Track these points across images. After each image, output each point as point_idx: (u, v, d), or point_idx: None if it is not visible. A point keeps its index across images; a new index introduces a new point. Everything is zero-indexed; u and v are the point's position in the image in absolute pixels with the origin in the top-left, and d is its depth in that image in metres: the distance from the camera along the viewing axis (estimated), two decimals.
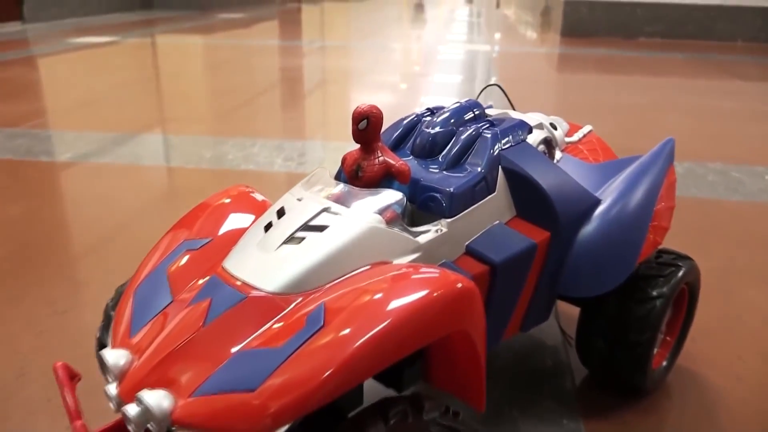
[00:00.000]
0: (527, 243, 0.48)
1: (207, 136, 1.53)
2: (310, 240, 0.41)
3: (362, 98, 1.98)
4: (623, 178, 0.56)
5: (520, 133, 0.52)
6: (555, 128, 0.59)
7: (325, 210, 0.43)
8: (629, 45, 3.38)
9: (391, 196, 0.43)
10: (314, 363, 0.34)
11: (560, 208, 0.49)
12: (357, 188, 0.45)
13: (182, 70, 2.47)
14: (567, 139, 0.61)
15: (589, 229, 0.52)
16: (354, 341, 0.34)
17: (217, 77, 2.32)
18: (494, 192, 0.49)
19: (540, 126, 0.57)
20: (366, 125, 0.44)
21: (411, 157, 0.51)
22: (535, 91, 2.09)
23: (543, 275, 0.51)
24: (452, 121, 0.51)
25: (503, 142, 0.50)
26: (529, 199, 0.50)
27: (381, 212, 0.42)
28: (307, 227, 0.42)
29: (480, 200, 0.47)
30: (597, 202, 0.53)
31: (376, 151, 0.45)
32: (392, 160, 0.45)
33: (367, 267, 0.41)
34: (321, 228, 0.41)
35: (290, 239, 0.41)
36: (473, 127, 0.51)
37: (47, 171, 1.25)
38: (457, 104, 0.53)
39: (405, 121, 0.54)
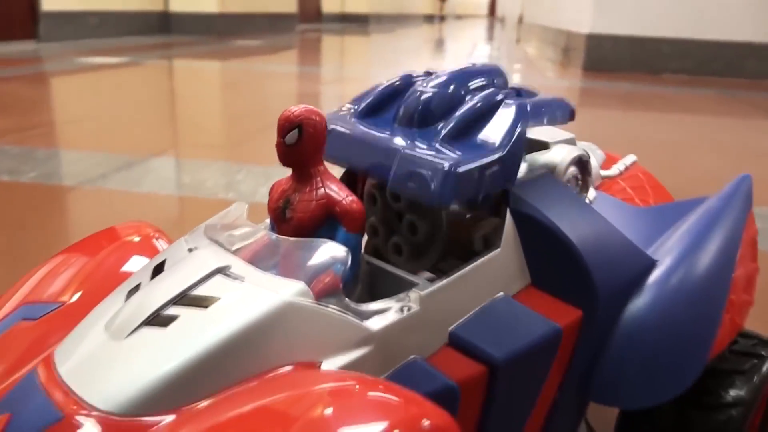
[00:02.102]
0: (547, 328, 0.31)
1: (190, 160, 1.39)
2: (185, 322, 0.25)
3: None
4: (686, 229, 0.39)
5: (558, 114, 0.36)
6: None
7: (220, 271, 0.27)
8: (655, 81, 3.25)
9: (331, 251, 0.27)
10: None
11: (598, 274, 0.33)
12: (282, 237, 0.29)
13: (188, 93, 2.38)
14: (603, 173, 0.45)
15: (639, 306, 0.35)
16: None
17: (216, 101, 2.21)
18: (497, 247, 0.32)
19: (571, 141, 0.41)
20: (297, 139, 0.28)
21: (396, 125, 0.35)
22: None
23: (569, 377, 0.34)
24: (458, 84, 0.35)
25: (535, 119, 0.34)
26: (552, 259, 0.33)
27: (311, 277, 0.26)
28: (185, 299, 0.26)
29: (491, 190, 0.31)
30: (651, 265, 0.36)
31: (314, 179, 0.29)
32: (338, 193, 0.29)
33: (283, 370, 0.25)
34: (206, 301, 0.25)
35: (154, 318, 0.25)
36: (490, 91, 0.35)
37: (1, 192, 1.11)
38: (470, 66, 0.37)
39: (392, 82, 0.37)
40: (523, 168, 0.39)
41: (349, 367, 0.26)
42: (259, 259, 0.28)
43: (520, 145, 0.33)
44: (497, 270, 0.32)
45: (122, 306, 0.27)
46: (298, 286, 0.26)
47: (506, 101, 0.34)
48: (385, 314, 0.27)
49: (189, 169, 1.31)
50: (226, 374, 0.24)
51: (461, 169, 0.30)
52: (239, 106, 2.08)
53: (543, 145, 0.40)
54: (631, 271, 0.35)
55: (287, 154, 0.29)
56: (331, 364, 0.26)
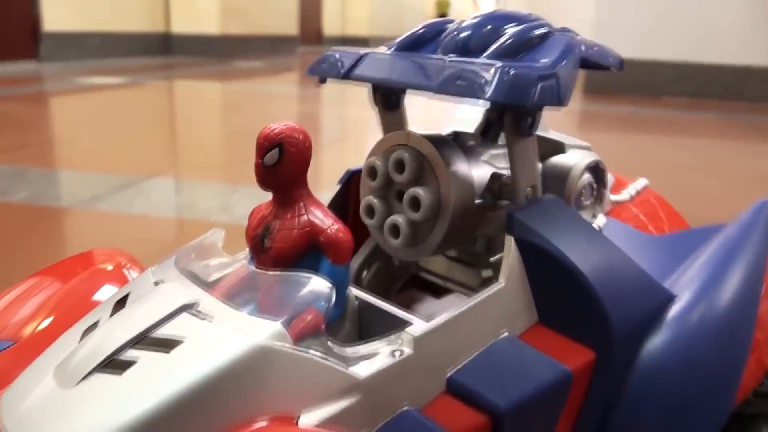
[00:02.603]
0: (556, 372, 0.28)
1: (186, 180, 1.36)
2: (143, 367, 0.22)
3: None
4: (706, 261, 0.36)
5: (610, 58, 0.34)
6: None
7: (187, 308, 0.23)
8: (655, 103, 3.25)
9: (313, 285, 0.24)
10: None
11: (612, 310, 0.29)
12: (260, 269, 0.26)
13: (188, 114, 2.36)
14: (613, 197, 0.42)
15: (658, 346, 0.32)
16: None
17: (215, 122, 2.20)
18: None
19: (587, 149, 0.38)
20: (278, 159, 0.25)
21: (438, 52, 0.33)
22: None
23: (581, 425, 0.30)
24: (497, 23, 0.33)
25: (588, 53, 0.32)
26: (561, 294, 0.30)
27: (290, 316, 0.23)
28: (145, 340, 0.22)
29: (543, 103, 0.28)
30: (669, 300, 0.33)
31: (297, 204, 0.26)
32: (322, 220, 0.26)
33: (256, 426, 0.22)
34: (168, 344, 0.22)
35: (109, 363, 0.22)
36: (539, 22, 0.33)
37: None
38: (510, 10, 0.35)
39: (424, 26, 0.35)
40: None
41: (332, 420, 0.23)
42: (233, 294, 0.25)
43: (574, 69, 0.30)
44: (501, 307, 0.29)
45: (76, 347, 0.24)
46: (274, 327, 0.22)
47: (556, 33, 0.32)
48: (373, 359, 0.24)
49: (184, 190, 1.28)
50: (189, 430, 0.21)
51: (514, 70, 0.27)
52: (238, 126, 2.07)
53: (558, 146, 0.37)
54: (648, 306, 0.32)
55: (267, 175, 0.26)
56: (311, 417, 0.22)
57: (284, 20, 6.29)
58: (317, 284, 0.24)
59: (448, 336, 0.26)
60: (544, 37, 0.32)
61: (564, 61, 0.30)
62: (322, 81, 0.35)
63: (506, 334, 0.29)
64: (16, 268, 0.86)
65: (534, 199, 0.32)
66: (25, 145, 1.63)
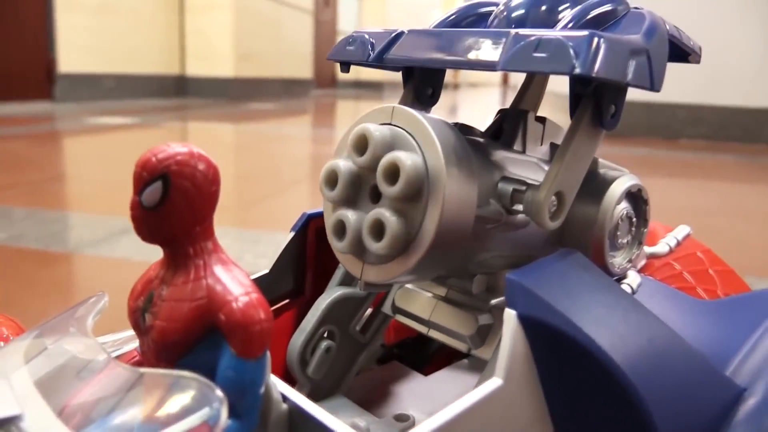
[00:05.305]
0: None
1: None
2: None
3: None
4: None
5: (690, 41, 0.29)
6: None
7: (5, 425, 0.15)
8: (671, 146, 3.19)
9: (199, 391, 0.16)
10: None
11: (664, 421, 0.20)
12: (121, 365, 0.17)
13: None
14: (649, 250, 0.33)
15: None
16: None
17: (219, 163, 2.16)
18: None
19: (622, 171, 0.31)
20: (161, 198, 0.17)
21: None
22: None
23: None
24: (552, 3, 0.28)
25: (674, 34, 0.27)
26: (587, 396, 0.21)
27: None
28: None
29: (636, 82, 0.23)
30: (737, 395, 0.24)
31: (195, 262, 0.18)
32: (227, 288, 0.18)
33: None
34: None
35: None
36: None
37: None
38: None
39: (466, 6, 0.31)
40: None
41: None
42: (86, 400, 0.16)
43: (664, 48, 0.25)
44: (498, 417, 0.20)
45: None
46: None
47: (633, 10, 0.27)
48: None
49: None
50: None
51: (605, 40, 0.22)
52: (248, 167, 2.02)
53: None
54: (711, 410, 0.23)
55: (147, 221, 0.18)
56: None
57: (299, 64, 6.39)
58: (204, 390, 0.15)
59: None
60: (623, 12, 0.26)
61: (654, 37, 0.24)
62: (345, 69, 0.29)
63: None
64: None
65: (541, 259, 0.23)
66: (15, 184, 1.58)
